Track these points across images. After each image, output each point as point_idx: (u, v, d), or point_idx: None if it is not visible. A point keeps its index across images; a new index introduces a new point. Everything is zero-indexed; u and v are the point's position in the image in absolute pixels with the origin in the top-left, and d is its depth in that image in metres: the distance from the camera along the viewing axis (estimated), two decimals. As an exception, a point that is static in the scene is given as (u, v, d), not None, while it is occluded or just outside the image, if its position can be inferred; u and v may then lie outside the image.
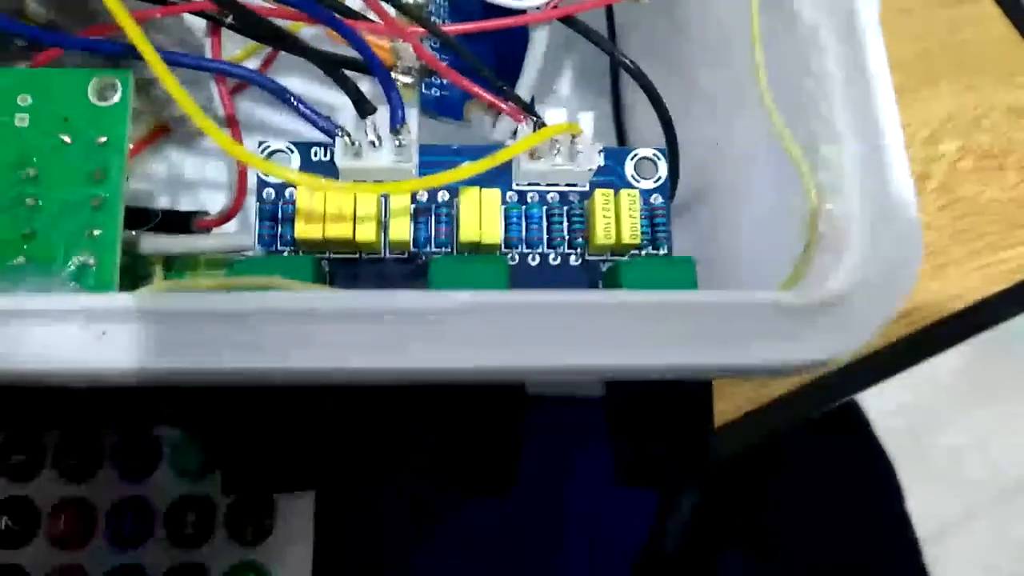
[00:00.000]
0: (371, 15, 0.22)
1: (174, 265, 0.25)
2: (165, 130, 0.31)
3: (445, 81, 0.26)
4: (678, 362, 0.16)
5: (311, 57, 0.21)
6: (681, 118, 0.24)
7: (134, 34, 0.17)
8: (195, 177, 0.33)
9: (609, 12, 0.32)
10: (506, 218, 0.21)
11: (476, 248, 0.21)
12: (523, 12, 0.23)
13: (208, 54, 0.23)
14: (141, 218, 0.24)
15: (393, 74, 0.24)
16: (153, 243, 0.22)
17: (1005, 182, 0.34)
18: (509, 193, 0.22)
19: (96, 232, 0.20)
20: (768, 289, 0.19)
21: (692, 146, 0.24)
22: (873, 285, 0.16)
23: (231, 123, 0.23)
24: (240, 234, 0.23)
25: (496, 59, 0.25)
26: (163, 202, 0.32)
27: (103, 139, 0.20)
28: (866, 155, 0.17)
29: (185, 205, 0.32)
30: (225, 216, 0.25)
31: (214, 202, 0.31)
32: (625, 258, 0.21)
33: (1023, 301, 0.32)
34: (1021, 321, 0.33)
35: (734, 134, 0.24)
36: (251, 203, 0.26)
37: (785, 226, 0.21)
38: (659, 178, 0.22)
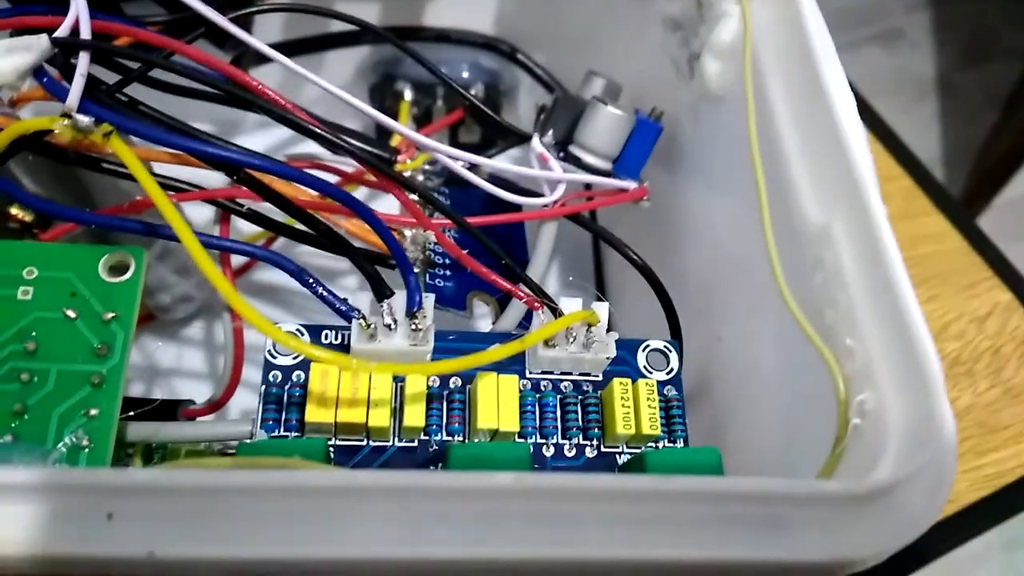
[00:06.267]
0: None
1: (154, 456, 0.24)
2: (149, 318, 0.31)
3: (447, 272, 0.26)
4: (726, 556, 0.15)
5: (327, 246, 0.21)
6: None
7: (171, 216, 0.16)
8: (171, 367, 0.32)
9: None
10: (519, 406, 0.21)
11: (492, 435, 0.20)
12: (519, 208, 0.24)
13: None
14: (129, 404, 0.23)
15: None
16: (144, 430, 0.21)
17: (977, 388, 0.35)
18: (523, 381, 0.21)
19: (93, 411, 0.18)
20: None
21: (691, 337, 0.25)
22: (921, 475, 0.16)
23: (235, 306, 0.23)
24: (239, 421, 0.22)
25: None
26: (136, 392, 0.31)
27: (110, 315, 0.19)
28: (894, 346, 0.17)
29: (160, 395, 0.31)
30: (214, 405, 0.24)
31: (190, 393, 0.30)
32: (644, 448, 0.21)
33: (1011, 505, 0.32)
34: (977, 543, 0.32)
35: (738, 327, 0.24)
36: (239, 392, 0.25)
37: (806, 417, 0.21)
38: (671, 370, 0.22)
